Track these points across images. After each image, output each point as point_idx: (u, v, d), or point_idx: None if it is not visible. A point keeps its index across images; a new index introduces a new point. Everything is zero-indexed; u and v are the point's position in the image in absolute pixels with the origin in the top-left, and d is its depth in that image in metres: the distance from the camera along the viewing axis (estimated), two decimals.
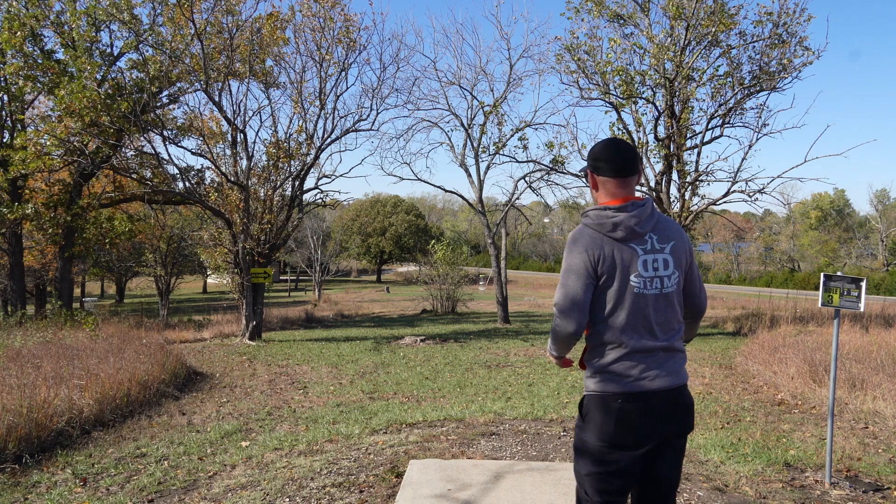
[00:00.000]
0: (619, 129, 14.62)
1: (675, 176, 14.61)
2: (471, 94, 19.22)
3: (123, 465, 4.82)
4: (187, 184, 15.17)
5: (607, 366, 2.17)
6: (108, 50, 17.58)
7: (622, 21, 14.79)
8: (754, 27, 13.75)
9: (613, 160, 2.21)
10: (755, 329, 13.86)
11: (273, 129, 18.24)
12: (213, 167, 15.00)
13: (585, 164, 2.36)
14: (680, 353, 2.25)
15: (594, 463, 2.18)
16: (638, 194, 2.28)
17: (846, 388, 6.71)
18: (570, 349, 2.31)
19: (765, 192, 14.14)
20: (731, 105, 14.02)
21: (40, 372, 6.89)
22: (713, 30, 13.28)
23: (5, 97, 17.51)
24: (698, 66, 14.12)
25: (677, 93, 13.88)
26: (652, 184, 14.47)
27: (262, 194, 15.01)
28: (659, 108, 14.36)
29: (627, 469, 2.15)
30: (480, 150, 18.92)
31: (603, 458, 2.17)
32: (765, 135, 14.10)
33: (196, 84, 14.61)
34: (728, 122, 14.35)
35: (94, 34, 16.72)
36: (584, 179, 2.47)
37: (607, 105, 14.60)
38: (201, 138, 15.06)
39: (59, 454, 5.08)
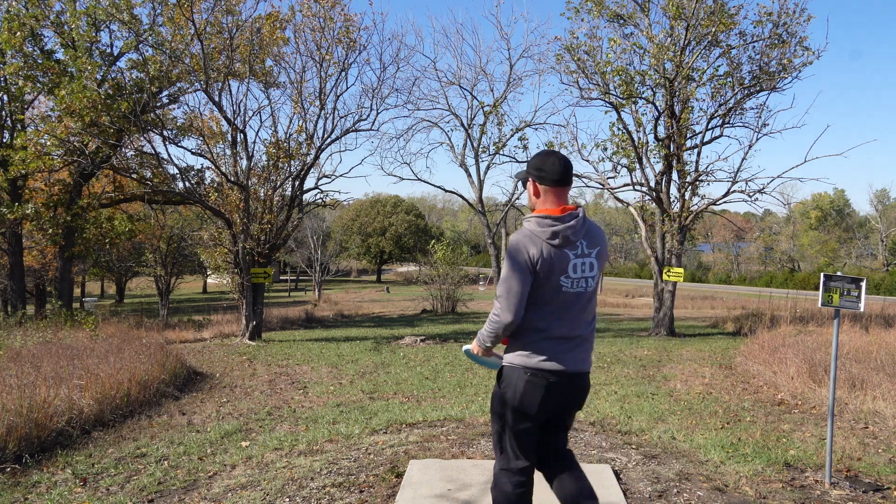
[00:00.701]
0: (619, 128, 14.63)
1: (675, 176, 14.61)
2: (471, 94, 19.23)
3: (123, 465, 4.82)
4: (187, 184, 15.17)
5: (528, 345, 2.51)
6: (108, 50, 17.59)
7: (622, 21, 14.78)
8: (754, 27, 13.75)
9: (555, 171, 2.50)
10: (755, 329, 13.85)
11: (273, 129, 18.25)
12: (213, 167, 15.00)
13: (524, 171, 2.63)
14: (589, 342, 2.62)
15: (509, 421, 2.57)
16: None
17: (846, 388, 6.70)
18: (500, 341, 2.63)
19: (765, 192, 14.14)
20: (731, 105, 14.01)
21: (40, 372, 6.89)
22: (713, 30, 13.27)
23: (5, 97, 17.51)
24: (698, 66, 14.12)
25: (677, 93, 13.88)
26: (652, 184, 14.46)
27: (262, 194, 15.00)
28: (659, 108, 14.36)
29: (532, 430, 2.58)
30: (480, 150, 18.92)
31: (515, 417, 2.56)
32: (765, 135, 14.10)
33: (196, 84, 14.60)
34: (728, 122, 14.34)
35: (94, 34, 16.72)
36: (520, 185, 2.72)
37: (607, 105, 14.60)
38: (201, 138, 15.05)
39: (59, 454, 5.08)
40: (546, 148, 2.96)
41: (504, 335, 2.57)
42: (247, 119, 14.32)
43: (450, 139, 19.65)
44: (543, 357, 2.50)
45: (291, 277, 58.99)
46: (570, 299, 2.50)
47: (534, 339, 2.51)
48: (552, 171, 2.50)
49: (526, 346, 2.52)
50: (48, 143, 15.24)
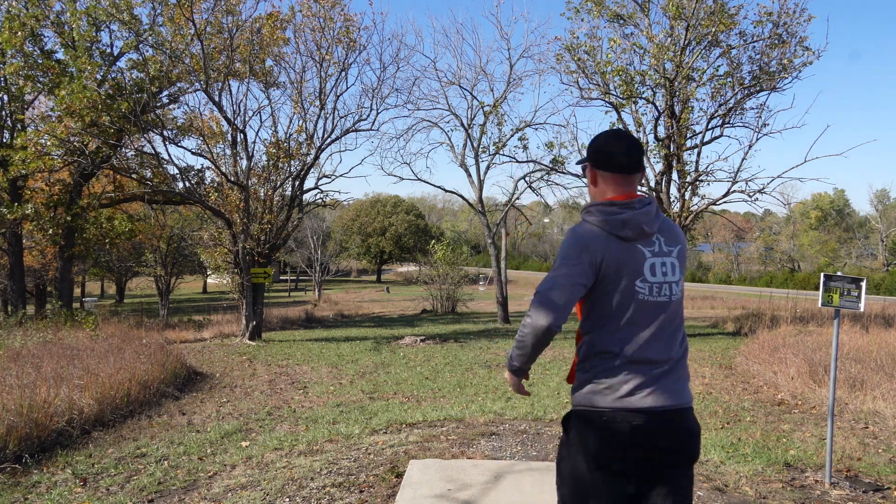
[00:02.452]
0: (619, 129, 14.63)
1: (675, 176, 14.61)
2: (471, 94, 19.24)
3: (123, 465, 4.82)
4: (187, 184, 15.17)
5: (599, 376, 1.93)
6: (108, 50, 17.58)
7: (622, 21, 14.78)
8: (754, 27, 13.76)
9: (619, 153, 2.01)
10: (755, 329, 13.85)
11: (273, 129, 18.27)
12: (213, 167, 15.01)
13: (584, 157, 2.14)
14: (684, 370, 2.00)
15: (577, 487, 1.95)
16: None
17: (846, 388, 6.71)
18: (535, 359, 2.02)
19: (765, 192, 14.14)
20: (731, 105, 14.01)
21: (40, 372, 6.89)
22: (713, 30, 13.27)
23: (5, 97, 17.50)
24: (698, 66, 14.12)
25: (677, 93, 13.87)
26: (652, 184, 14.46)
27: (262, 194, 15.01)
28: (659, 108, 14.36)
29: (619, 498, 1.92)
30: (480, 150, 18.93)
31: (588, 483, 1.92)
32: (765, 135, 14.11)
33: (196, 84, 14.61)
34: (728, 122, 14.34)
35: (94, 34, 16.71)
36: (581, 176, 2.33)
37: (607, 105, 14.60)
38: (201, 138, 15.06)
39: (59, 454, 5.08)
40: (613, 129, 2.18)
41: (536, 347, 1.96)
42: (247, 119, 14.36)
43: (450, 139, 19.67)
44: (623, 391, 1.89)
45: (291, 277, 58.95)
46: (650, 311, 1.93)
47: (607, 365, 1.92)
48: (614, 153, 2.01)
49: (597, 376, 1.93)
50: (48, 143, 15.24)
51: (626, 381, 1.91)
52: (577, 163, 2.21)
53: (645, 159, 14.32)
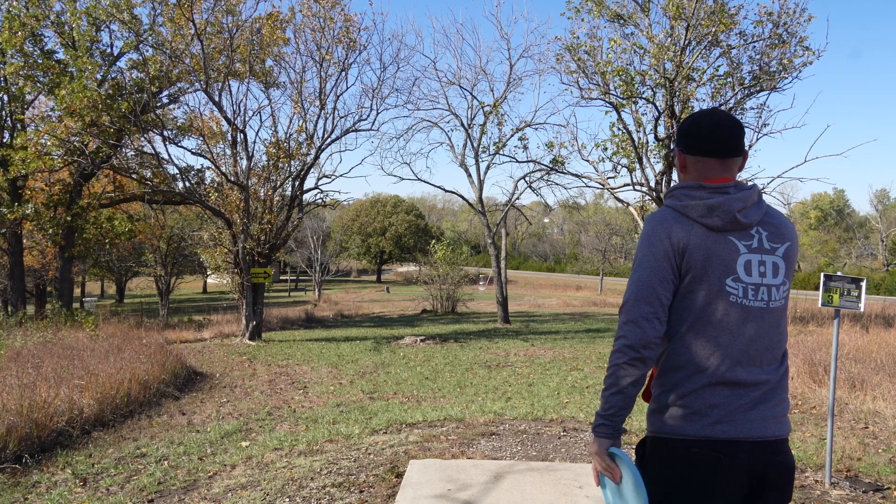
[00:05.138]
0: (619, 129, 14.64)
1: (675, 176, 14.60)
2: (471, 94, 19.24)
3: (123, 465, 4.82)
4: (187, 184, 15.19)
5: (682, 398, 1.62)
6: (108, 50, 17.59)
7: (622, 21, 14.78)
8: (754, 27, 13.76)
9: (709, 133, 1.71)
10: None
11: (273, 129, 18.27)
12: (213, 167, 15.02)
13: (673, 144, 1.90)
14: (784, 392, 1.68)
15: None
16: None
17: (846, 388, 6.70)
18: (633, 398, 1.66)
19: (765, 192, 14.12)
20: (731, 105, 14.02)
21: (40, 372, 6.89)
22: (713, 30, 13.28)
23: (5, 97, 17.50)
24: (698, 66, 14.12)
25: (677, 93, 13.87)
26: (652, 184, 14.47)
27: (262, 194, 15.02)
28: (659, 108, 14.35)
29: None
30: (480, 150, 18.94)
31: None
32: (765, 135, 14.14)
33: (196, 84, 14.62)
34: None
35: (94, 34, 16.73)
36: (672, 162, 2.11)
37: (607, 105, 14.60)
38: (201, 138, 15.08)
39: (59, 454, 5.08)
40: (706, 109, 1.80)
41: (640, 368, 1.62)
42: (247, 119, 14.37)
43: (450, 139, 19.68)
44: (710, 419, 1.59)
45: (291, 277, 58.96)
46: (744, 317, 1.62)
47: (692, 386, 1.61)
48: (703, 135, 1.71)
49: (680, 400, 1.62)
50: (48, 143, 15.25)
51: (716, 406, 1.60)
52: (671, 150, 1.98)
53: (645, 159, 14.43)
